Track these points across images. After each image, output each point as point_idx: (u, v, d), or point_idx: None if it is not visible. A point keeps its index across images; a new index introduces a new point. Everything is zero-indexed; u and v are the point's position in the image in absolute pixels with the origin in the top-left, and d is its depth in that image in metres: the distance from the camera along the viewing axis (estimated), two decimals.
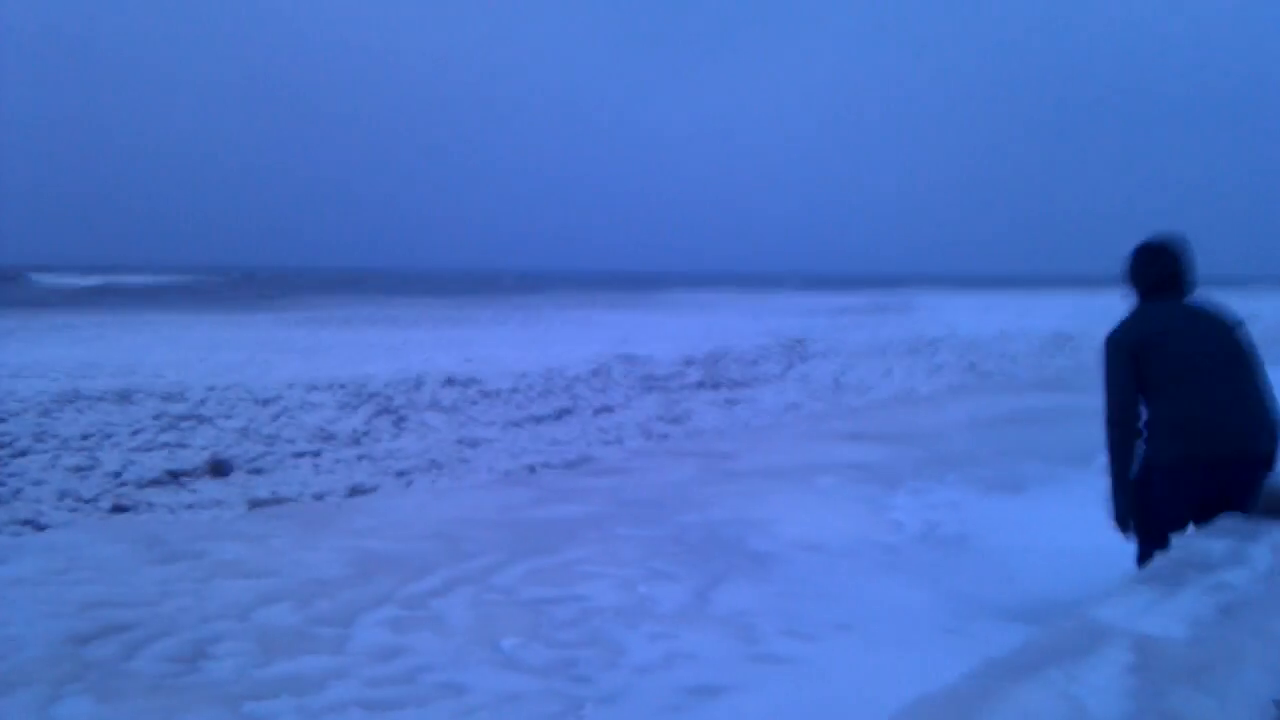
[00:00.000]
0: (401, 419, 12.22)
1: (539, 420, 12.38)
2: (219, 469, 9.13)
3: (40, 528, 6.96)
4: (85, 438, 10.52)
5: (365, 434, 11.21)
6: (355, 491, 8.32)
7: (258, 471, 9.27)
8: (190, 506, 7.84)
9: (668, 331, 28.91)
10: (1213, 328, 3.83)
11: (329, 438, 10.92)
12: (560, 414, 12.83)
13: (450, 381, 15.29)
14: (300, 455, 9.94)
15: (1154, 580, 2.94)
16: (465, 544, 6.07)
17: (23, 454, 9.63)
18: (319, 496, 8.20)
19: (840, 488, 7.69)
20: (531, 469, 9.26)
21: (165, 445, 10.33)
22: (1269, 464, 3.71)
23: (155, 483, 8.69)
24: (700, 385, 16.19)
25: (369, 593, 5.17)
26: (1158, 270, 3.94)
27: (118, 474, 8.89)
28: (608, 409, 13.39)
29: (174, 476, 8.88)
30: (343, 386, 14.57)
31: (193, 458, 9.67)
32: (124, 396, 13.31)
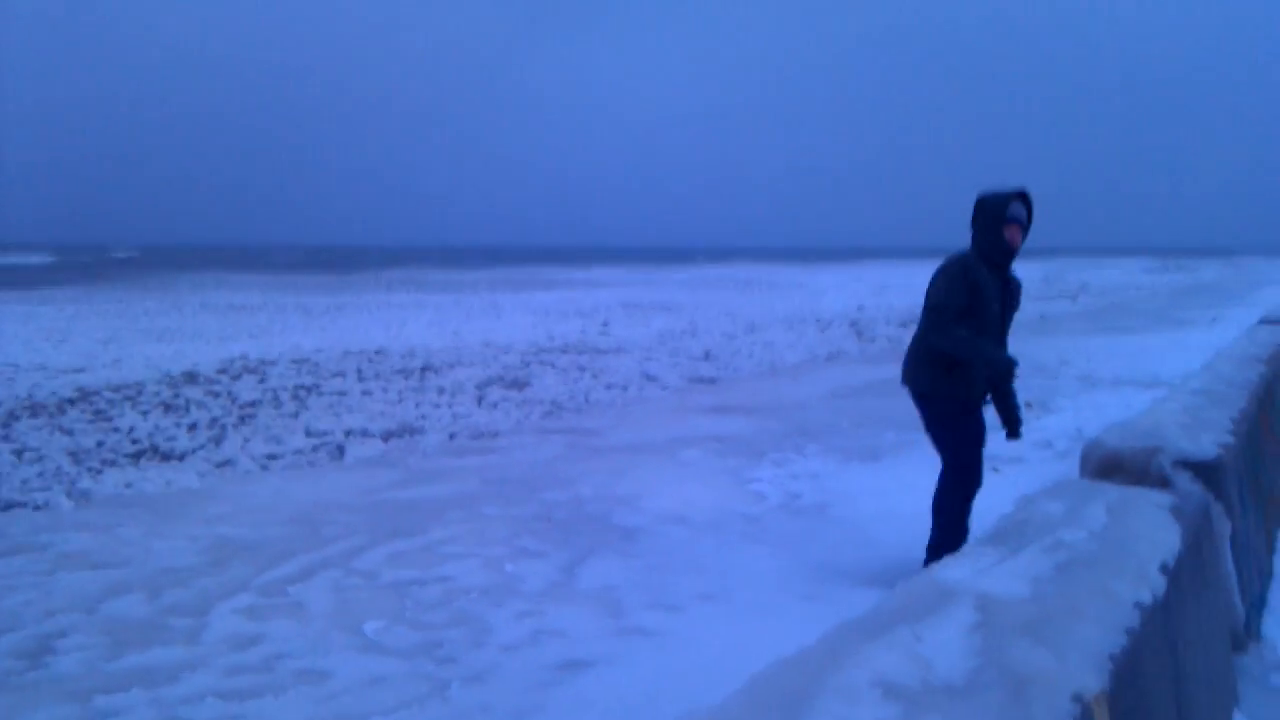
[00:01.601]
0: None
1: None
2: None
3: None
4: None
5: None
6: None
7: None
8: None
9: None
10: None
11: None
12: None
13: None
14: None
15: (997, 540, 3.05)
16: (325, 528, 5.94)
17: None
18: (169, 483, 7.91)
19: (704, 460, 7.79)
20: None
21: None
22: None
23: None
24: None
25: (224, 581, 5.01)
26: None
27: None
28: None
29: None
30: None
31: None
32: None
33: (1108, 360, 14.29)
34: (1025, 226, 4.77)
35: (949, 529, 4.89)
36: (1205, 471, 3.83)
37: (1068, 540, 2.97)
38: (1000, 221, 4.68)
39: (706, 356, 17.03)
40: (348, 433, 10.24)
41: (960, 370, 4.76)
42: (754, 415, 9.87)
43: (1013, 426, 5.01)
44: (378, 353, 17.62)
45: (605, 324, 24.22)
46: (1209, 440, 4.06)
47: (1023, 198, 4.73)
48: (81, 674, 3.97)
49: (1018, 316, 5.07)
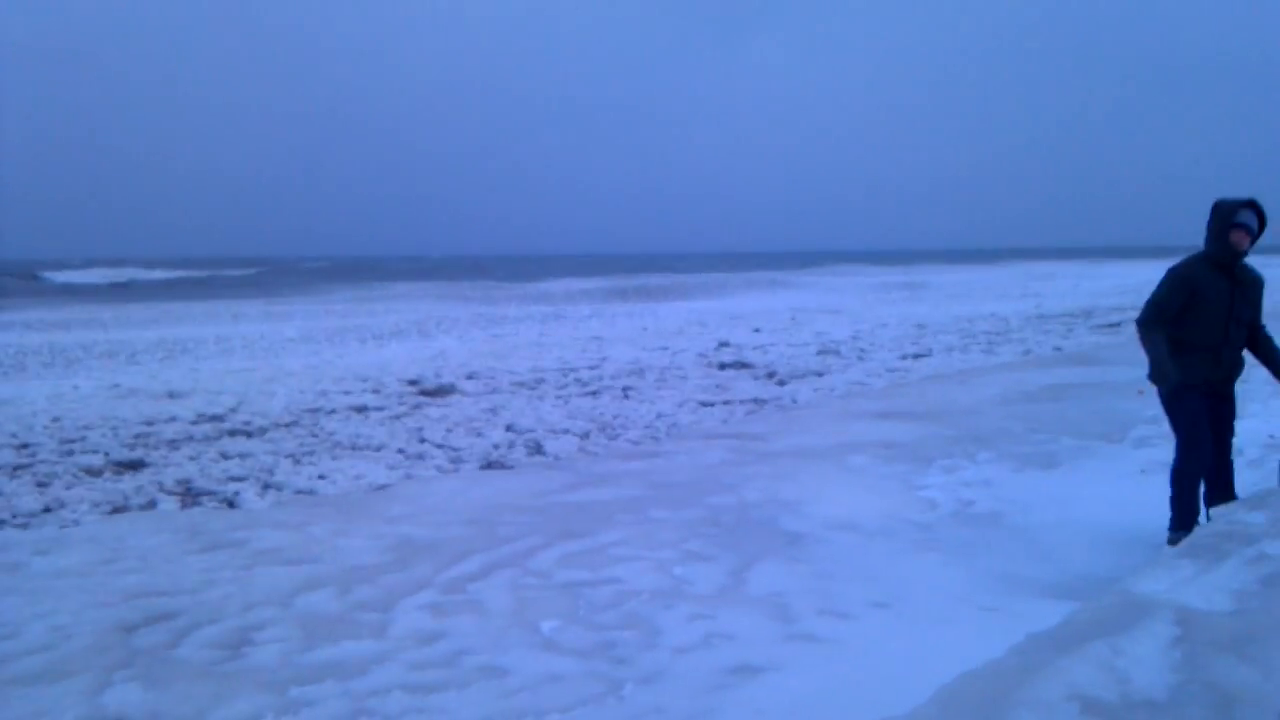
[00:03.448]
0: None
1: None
2: None
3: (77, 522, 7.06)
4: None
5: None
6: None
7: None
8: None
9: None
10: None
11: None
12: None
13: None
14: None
15: (1195, 553, 2.93)
16: (500, 529, 6.12)
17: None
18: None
19: (872, 466, 7.68)
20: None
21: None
22: None
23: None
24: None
25: (408, 578, 5.23)
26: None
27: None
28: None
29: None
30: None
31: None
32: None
33: None
34: (1254, 233, 5.28)
35: (1180, 506, 5.36)
36: None
37: (1272, 553, 2.82)
38: (1228, 226, 5.20)
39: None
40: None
41: (1182, 355, 5.28)
42: (922, 421, 9.67)
43: None
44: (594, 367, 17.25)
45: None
46: None
47: (1253, 206, 5.24)
48: (277, 665, 4.20)
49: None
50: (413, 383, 14.19)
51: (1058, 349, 18.12)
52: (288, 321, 29.76)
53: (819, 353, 18.21)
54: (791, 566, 5.30)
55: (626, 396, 13.14)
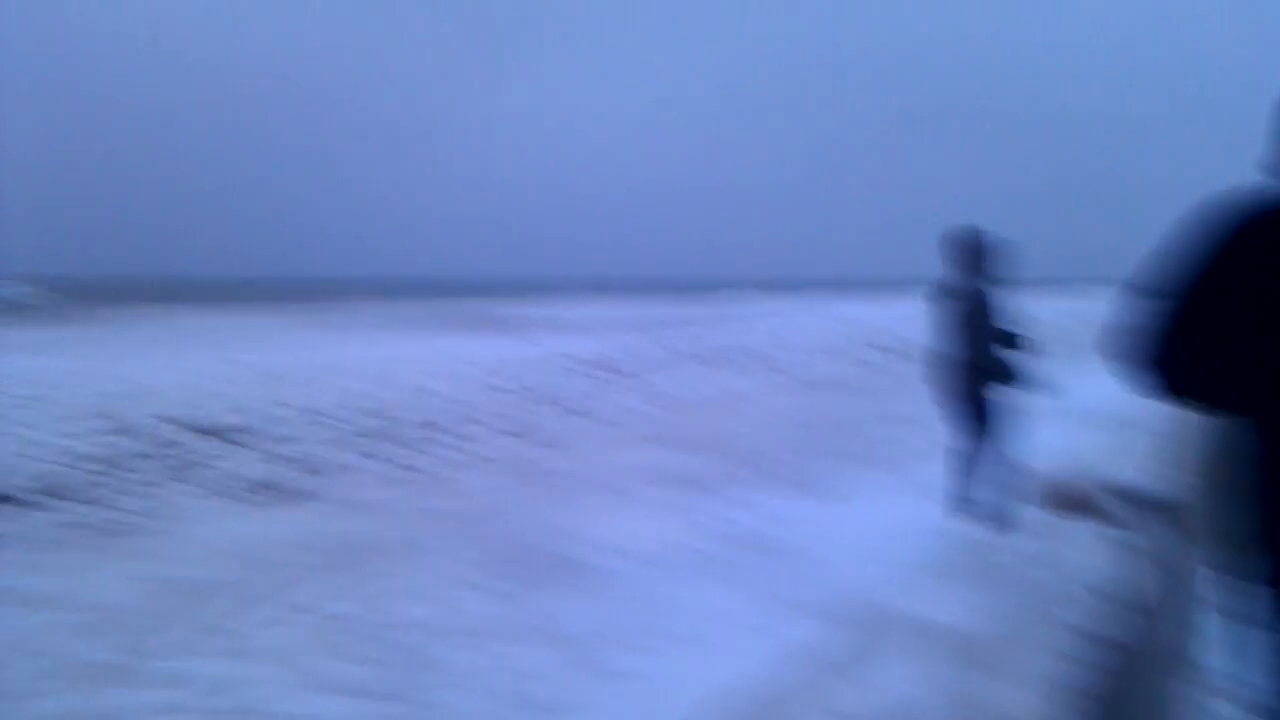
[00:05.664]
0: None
1: None
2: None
3: None
4: None
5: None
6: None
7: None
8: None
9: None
10: None
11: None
12: None
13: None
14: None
15: (944, 571, 3.11)
16: (266, 565, 5.85)
17: None
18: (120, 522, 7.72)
19: (648, 493, 7.79)
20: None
21: None
22: None
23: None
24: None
25: (166, 618, 4.93)
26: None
27: None
28: None
29: None
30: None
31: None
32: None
33: None
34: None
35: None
36: None
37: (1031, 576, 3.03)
38: None
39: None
40: None
41: None
42: (696, 448, 9.90)
43: None
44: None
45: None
46: None
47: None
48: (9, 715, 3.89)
49: None
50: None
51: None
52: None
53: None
54: (575, 596, 5.31)
55: None
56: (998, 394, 5.99)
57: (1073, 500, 4.28)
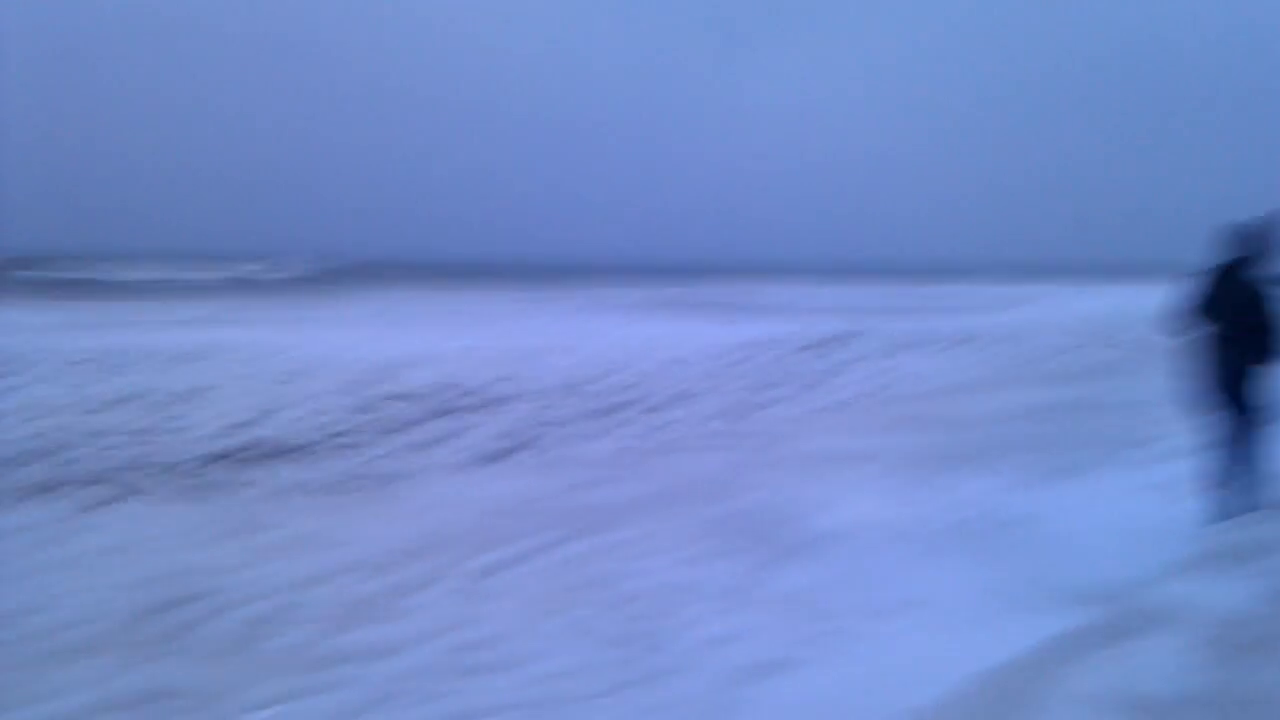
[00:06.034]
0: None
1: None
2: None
3: (124, 501, 7.13)
4: None
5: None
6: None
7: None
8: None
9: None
10: None
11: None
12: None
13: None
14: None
15: (1212, 560, 3.01)
16: (524, 523, 6.21)
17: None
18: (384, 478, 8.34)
19: (890, 473, 7.72)
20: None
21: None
22: None
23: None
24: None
25: (435, 566, 5.33)
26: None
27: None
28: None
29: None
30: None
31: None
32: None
33: None
34: None
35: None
36: None
37: None
38: None
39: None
40: None
41: None
42: (938, 431, 9.71)
43: None
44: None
45: None
46: None
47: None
48: (302, 647, 4.32)
49: None
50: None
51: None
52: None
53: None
54: (812, 567, 5.38)
55: None
56: (1260, 378, 5.72)
57: None
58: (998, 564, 5.39)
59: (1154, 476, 7.08)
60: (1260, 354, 5.74)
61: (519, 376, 14.05)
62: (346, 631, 4.45)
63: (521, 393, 12.59)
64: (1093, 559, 5.36)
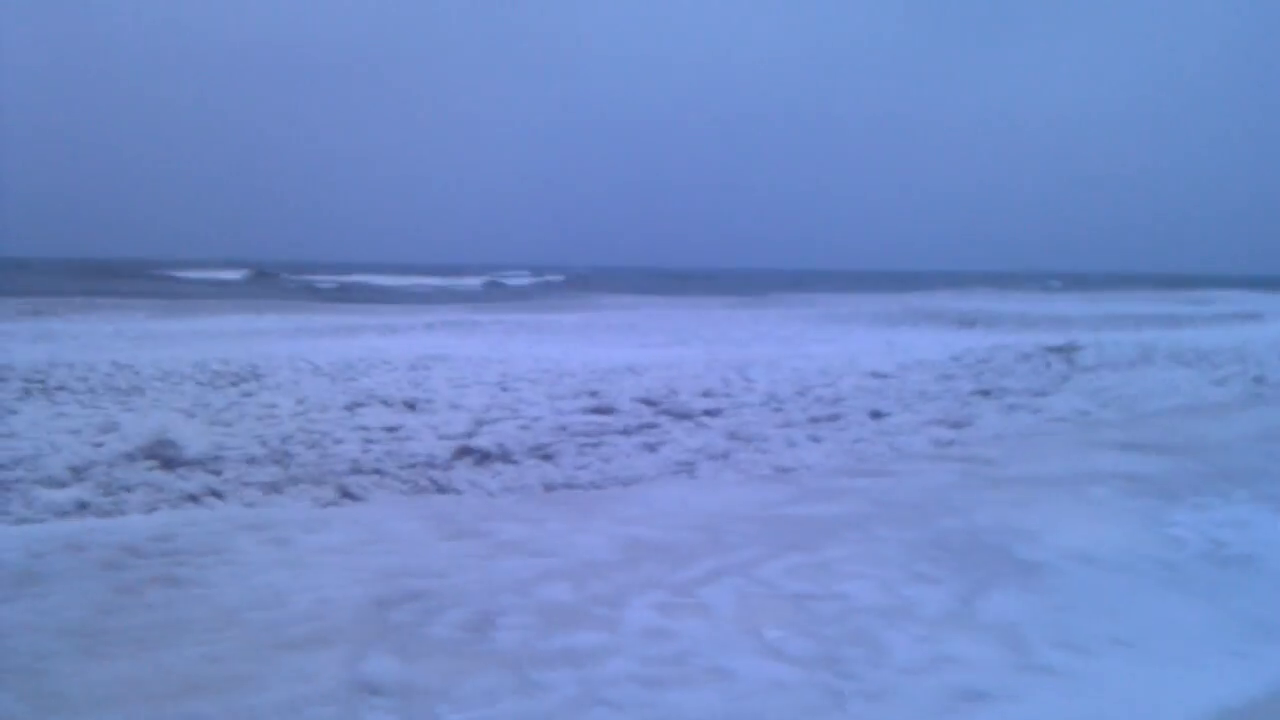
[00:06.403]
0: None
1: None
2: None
3: (354, 500, 7.65)
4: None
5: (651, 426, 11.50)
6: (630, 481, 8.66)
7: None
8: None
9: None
10: None
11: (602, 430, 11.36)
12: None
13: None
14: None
15: None
16: (727, 536, 6.24)
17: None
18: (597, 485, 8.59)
19: (1114, 499, 7.35)
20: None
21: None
22: None
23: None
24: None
25: (638, 577, 5.43)
26: None
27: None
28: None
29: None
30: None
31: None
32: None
33: None
34: None
35: None
36: None
37: None
38: None
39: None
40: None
41: None
42: (1168, 454, 9.16)
43: None
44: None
45: None
46: None
47: None
48: (518, 648, 4.47)
49: None
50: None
51: None
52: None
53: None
54: (1024, 595, 5.18)
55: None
56: None
57: None
58: (1225, 601, 5.03)
59: None
60: None
61: (738, 384, 14.16)
62: (553, 636, 4.59)
63: (740, 403, 12.65)
64: None
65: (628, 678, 4.15)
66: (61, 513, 7.22)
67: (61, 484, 8.01)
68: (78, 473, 8.40)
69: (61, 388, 13.86)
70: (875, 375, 15.50)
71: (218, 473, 8.67)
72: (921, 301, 45.10)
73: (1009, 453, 9.52)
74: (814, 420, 11.89)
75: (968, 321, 30.58)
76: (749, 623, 4.77)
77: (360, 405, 12.28)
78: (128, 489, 7.91)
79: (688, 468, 9.33)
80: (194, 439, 9.83)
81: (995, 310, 38.33)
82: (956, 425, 11.75)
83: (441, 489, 8.45)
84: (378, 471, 8.89)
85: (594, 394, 13.08)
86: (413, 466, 9.18)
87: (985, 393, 14.05)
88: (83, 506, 7.38)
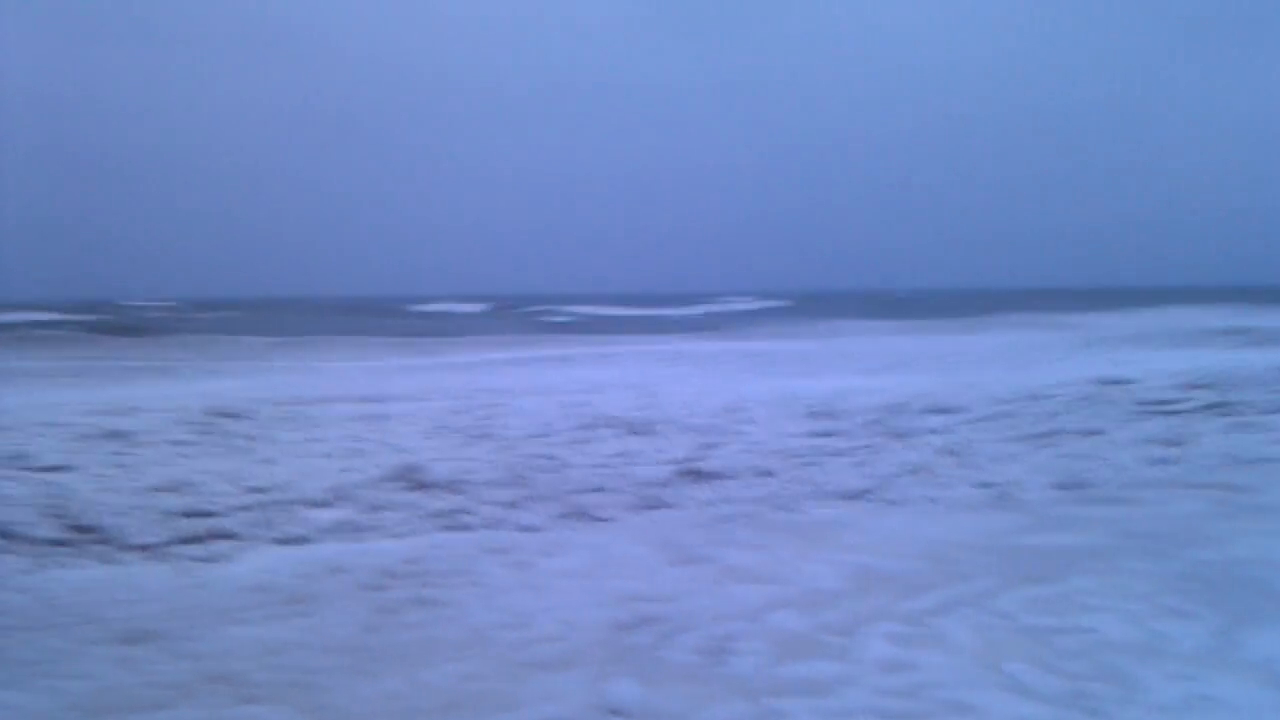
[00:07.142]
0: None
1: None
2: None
3: (594, 520, 7.92)
4: None
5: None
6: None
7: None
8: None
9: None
10: None
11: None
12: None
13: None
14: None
15: None
16: (958, 566, 6.12)
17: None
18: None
19: None
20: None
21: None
22: None
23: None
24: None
25: (869, 606, 5.41)
26: None
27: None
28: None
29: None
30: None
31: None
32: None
33: None
34: None
35: None
36: None
37: None
38: None
39: None
40: None
41: None
42: None
43: None
44: None
45: None
46: None
47: None
48: (753, 675, 4.55)
49: None
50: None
51: None
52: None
53: None
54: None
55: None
56: None
57: None
58: None
59: None
60: None
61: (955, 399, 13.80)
62: (788, 664, 4.64)
63: (951, 424, 12.33)
64: None
65: (866, 710, 4.16)
66: (325, 530, 7.75)
67: (325, 504, 8.62)
68: (338, 493, 9.02)
69: (317, 420, 14.89)
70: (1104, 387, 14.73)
71: (461, 493, 9.14)
72: (1179, 319, 41.59)
73: (1263, 479, 8.89)
74: (1031, 436, 11.48)
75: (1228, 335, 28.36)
76: (981, 658, 4.67)
77: (592, 427, 12.66)
78: (385, 509, 8.47)
79: (907, 495, 9.18)
80: (438, 463, 10.39)
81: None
82: (1198, 446, 11.08)
83: (667, 506, 8.65)
84: (602, 489, 9.17)
85: (819, 418, 13.06)
86: (642, 485, 9.42)
87: (1235, 415, 13.13)
88: (344, 526, 7.92)
